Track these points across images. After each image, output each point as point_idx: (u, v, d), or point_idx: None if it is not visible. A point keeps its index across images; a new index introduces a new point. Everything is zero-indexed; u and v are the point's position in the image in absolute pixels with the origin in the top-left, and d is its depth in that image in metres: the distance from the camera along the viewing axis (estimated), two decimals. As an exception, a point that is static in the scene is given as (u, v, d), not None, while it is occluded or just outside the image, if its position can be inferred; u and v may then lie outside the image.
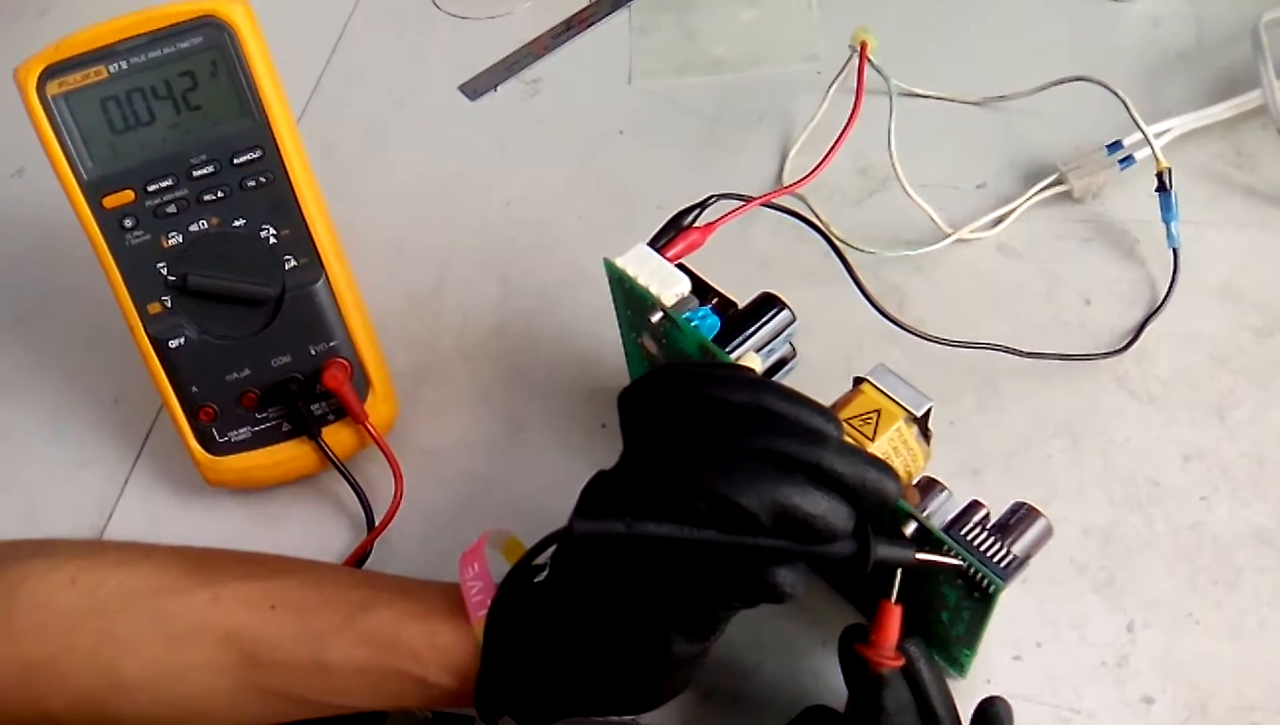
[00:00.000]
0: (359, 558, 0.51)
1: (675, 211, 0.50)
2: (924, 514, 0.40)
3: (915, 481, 0.44)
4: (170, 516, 0.55)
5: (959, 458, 0.50)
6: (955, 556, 0.39)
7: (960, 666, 0.45)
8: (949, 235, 0.58)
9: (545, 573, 0.40)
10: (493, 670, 0.40)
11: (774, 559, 0.34)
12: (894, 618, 0.39)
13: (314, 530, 0.54)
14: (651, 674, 0.37)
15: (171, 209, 0.50)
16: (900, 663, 0.39)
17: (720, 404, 0.36)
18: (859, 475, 0.35)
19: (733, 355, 0.45)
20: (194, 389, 0.52)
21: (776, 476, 0.34)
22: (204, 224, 0.51)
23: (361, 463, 0.54)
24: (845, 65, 0.60)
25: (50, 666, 0.42)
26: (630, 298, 0.48)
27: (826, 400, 0.44)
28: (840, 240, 0.55)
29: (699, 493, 0.34)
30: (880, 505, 0.35)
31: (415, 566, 0.51)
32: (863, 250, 0.57)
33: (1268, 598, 0.46)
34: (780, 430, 0.35)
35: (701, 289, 0.48)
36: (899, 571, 0.39)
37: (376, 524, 0.52)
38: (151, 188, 0.50)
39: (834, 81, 0.62)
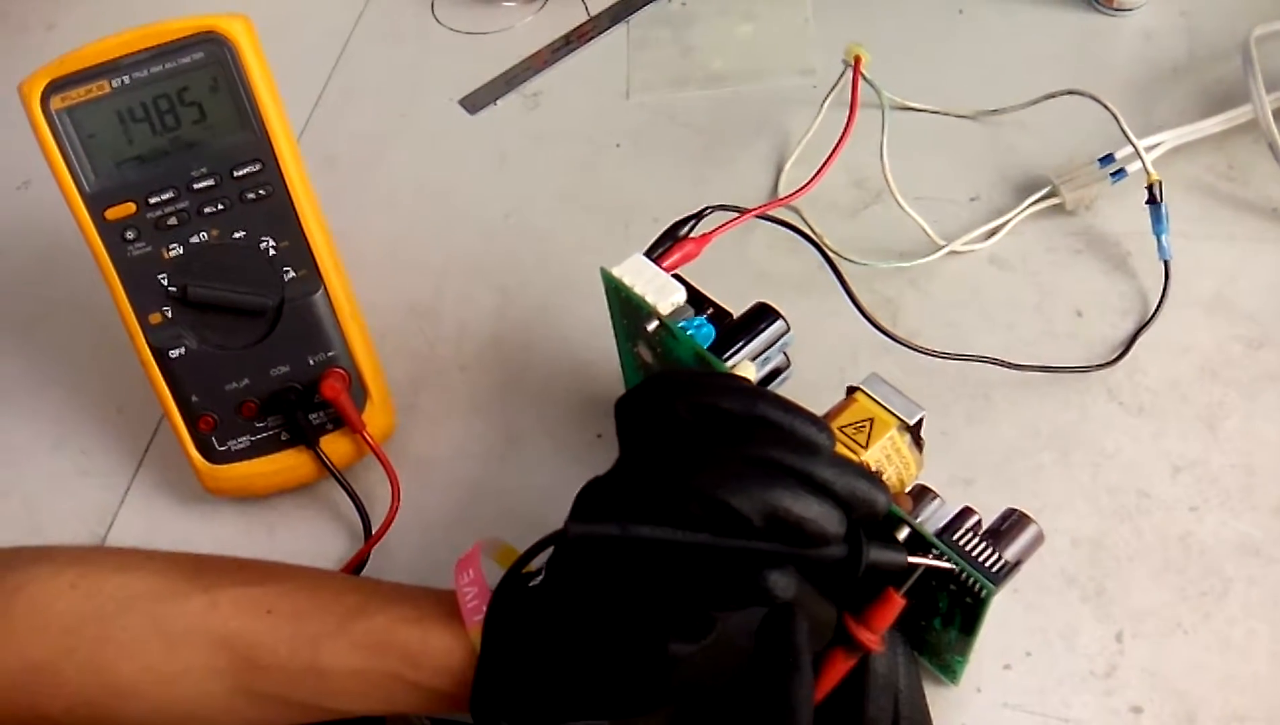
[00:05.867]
0: (356, 566, 0.52)
1: (671, 223, 0.50)
2: (917, 520, 0.41)
3: (908, 489, 0.44)
4: (170, 525, 0.56)
5: (950, 468, 0.51)
6: (947, 561, 0.39)
7: (953, 673, 0.45)
8: (942, 247, 0.58)
9: (540, 577, 0.41)
10: (488, 675, 0.40)
11: (766, 562, 0.35)
12: (894, 608, 0.39)
13: (312, 538, 0.54)
14: (647, 677, 0.38)
15: (172, 221, 0.51)
16: (881, 650, 0.39)
17: (715, 412, 0.36)
18: (849, 486, 0.35)
19: (728, 364, 0.46)
20: (194, 398, 0.53)
21: (769, 481, 0.34)
22: (204, 236, 0.51)
23: (359, 472, 0.55)
24: (839, 79, 0.61)
25: (49, 669, 0.42)
26: (626, 307, 0.49)
27: (820, 409, 0.45)
28: (834, 252, 0.56)
29: (692, 495, 0.34)
30: (870, 516, 0.36)
31: (412, 574, 0.51)
32: (857, 262, 0.58)
33: (1256, 608, 0.46)
34: (774, 439, 0.36)
35: (697, 299, 0.48)
36: (918, 570, 0.39)
37: (374, 532, 0.53)
38: (153, 200, 0.51)
39: (829, 95, 0.63)
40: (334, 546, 0.54)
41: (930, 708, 0.44)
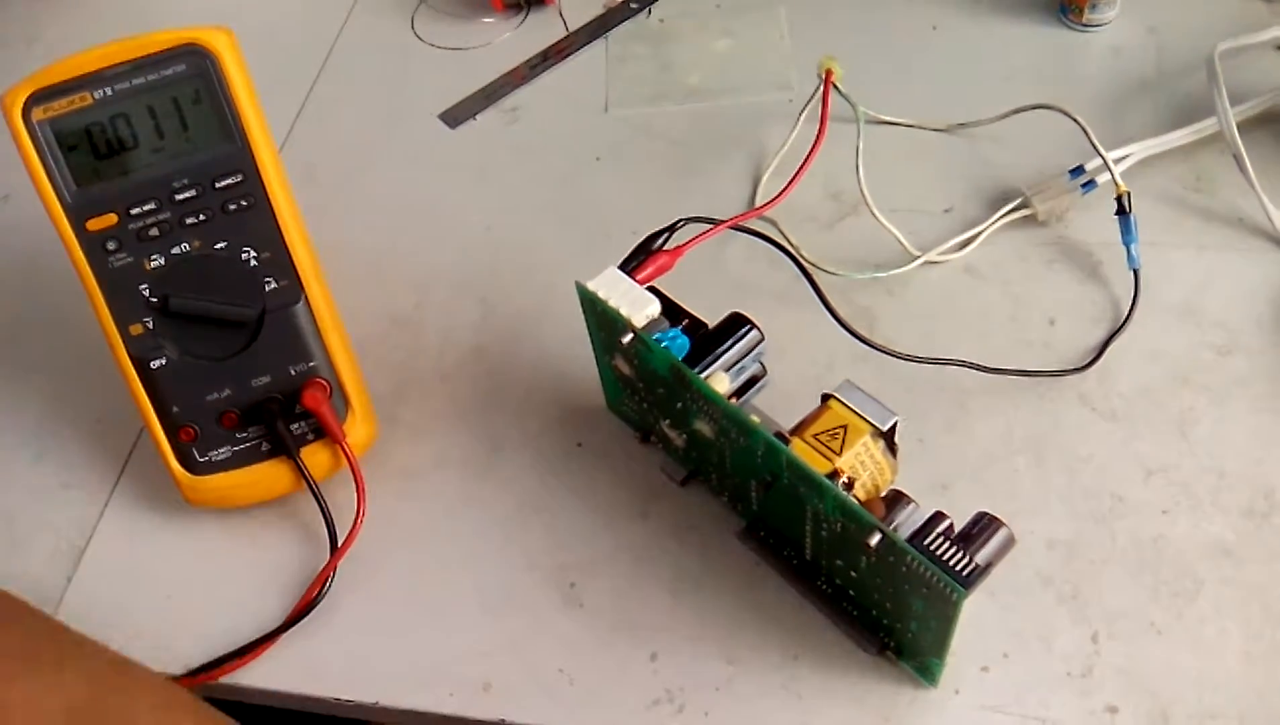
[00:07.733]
0: (323, 582, 0.51)
1: (645, 236, 0.51)
2: (891, 526, 0.41)
3: (883, 495, 0.45)
4: (150, 536, 0.55)
5: (927, 473, 0.51)
6: (916, 565, 0.40)
7: (931, 675, 0.45)
8: (917, 258, 0.59)
9: None
10: None
11: None
12: None
13: (292, 549, 0.54)
14: None
15: (154, 232, 0.51)
16: None
17: None
18: None
19: (702, 375, 0.46)
20: (175, 409, 0.53)
21: None
22: (186, 246, 0.52)
23: (342, 482, 0.55)
24: (814, 93, 0.61)
25: None
26: (602, 320, 0.49)
27: (796, 417, 0.45)
28: (810, 263, 0.56)
29: None
30: None
31: (387, 587, 0.52)
32: (833, 272, 0.59)
33: (1228, 608, 0.47)
34: None
35: (672, 311, 0.49)
36: None
37: (339, 546, 0.52)
38: (134, 211, 0.51)
39: (804, 109, 0.64)
40: (313, 557, 0.54)
41: (909, 710, 0.45)
